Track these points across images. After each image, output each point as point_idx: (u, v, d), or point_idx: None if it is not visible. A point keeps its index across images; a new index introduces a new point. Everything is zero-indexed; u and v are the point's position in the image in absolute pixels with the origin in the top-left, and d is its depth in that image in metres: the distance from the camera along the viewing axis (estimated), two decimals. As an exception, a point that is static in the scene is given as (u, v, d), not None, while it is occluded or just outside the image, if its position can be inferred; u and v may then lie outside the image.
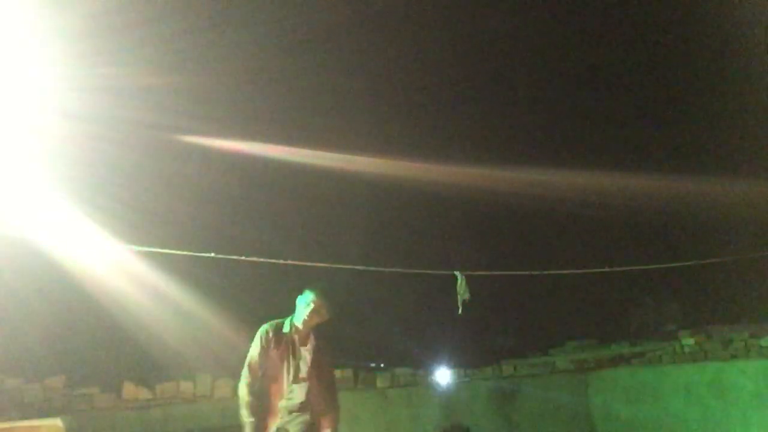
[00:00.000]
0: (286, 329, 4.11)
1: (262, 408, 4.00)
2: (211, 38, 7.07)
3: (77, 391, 5.85)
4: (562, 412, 7.75)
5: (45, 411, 5.50)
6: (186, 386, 6.25)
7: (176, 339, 6.69)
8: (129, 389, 6.03)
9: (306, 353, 4.10)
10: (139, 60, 5.95)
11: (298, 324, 4.10)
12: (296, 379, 4.06)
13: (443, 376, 7.51)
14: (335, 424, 4.14)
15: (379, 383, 7.08)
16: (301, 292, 4.14)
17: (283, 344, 4.06)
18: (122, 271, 5.80)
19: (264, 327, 4.13)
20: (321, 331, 4.22)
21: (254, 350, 4.07)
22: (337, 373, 6.89)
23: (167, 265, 5.87)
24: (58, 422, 4.72)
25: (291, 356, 4.06)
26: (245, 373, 4.05)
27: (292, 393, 4.05)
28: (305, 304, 4.08)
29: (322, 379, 4.14)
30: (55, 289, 6.85)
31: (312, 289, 4.11)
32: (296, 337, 4.10)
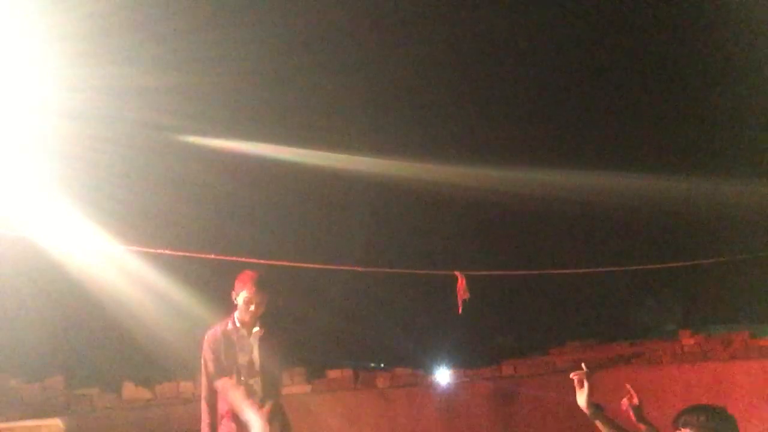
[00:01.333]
0: (230, 326, 4.06)
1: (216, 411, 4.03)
2: (211, 38, 7.07)
3: (77, 391, 5.85)
4: (562, 412, 7.74)
5: (45, 411, 5.49)
6: (186, 386, 6.24)
7: (176, 339, 6.68)
8: (129, 389, 6.03)
9: (254, 344, 4.05)
10: (139, 60, 5.96)
11: (242, 318, 4.05)
12: (252, 374, 4.02)
13: (443, 376, 7.51)
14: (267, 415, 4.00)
15: (379, 383, 7.08)
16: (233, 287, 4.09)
17: (231, 342, 4.02)
18: (122, 271, 5.80)
19: (208, 333, 4.07)
20: (270, 323, 4.16)
21: (207, 362, 4.02)
22: (337, 373, 6.90)
23: (167, 265, 5.87)
24: (58, 422, 4.72)
25: (241, 352, 4.02)
26: (203, 385, 4.04)
27: (252, 388, 4.00)
28: (240, 296, 4.02)
29: (268, 371, 4.08)
30: (55, 289, 6.85)
31: (241, 280, 4.05)
32: (244, 331, 4.05)
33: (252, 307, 3.98)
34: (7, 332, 6.31)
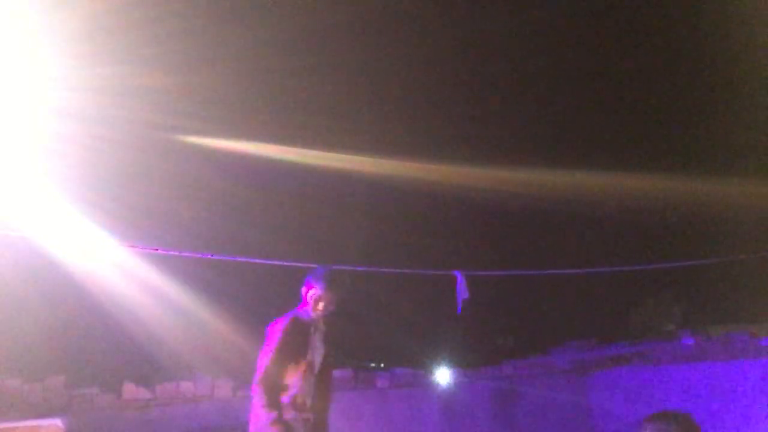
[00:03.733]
0: (305, 318, 3.94)
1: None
2: (211, 38, 7.07)
3: (77, 391, 5.86)
4: (562, 412, 7.75)
5: (45, 411, 5.50)
6: (186, 386, 6.25)
7: (176, 339, 6.69)
8: (129, 389, 6.04)
9: (320, 343, 3.95)
10: (139, 60, 5.95)
11: (313, 314, 3.95)
12: (312, 373, 3.90)
13: (443, 376, 7.51)
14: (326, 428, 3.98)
15: (379, 383, 7.08)
16: (303, 283, 3.99)
17: (305, 336, 3.90)
18: (122, 271, 5.80)
19: (287, 321, 3.88)
20: (332, 322, 4.08)
21: (282, 344, 3.79)
22: (337, 373, 6.90)
23: (167, 265, 5.87)
24: (58, 422, 4.71)
25: (309, 349, 3.90)
26: (266, 366, 3.77)
27: (309, 388, 3.87)
28: (311, 293, 3.93)
29: (326, 375, 4.00)
30: (55, 289, 6.85)
31: (319, 277, 3.95)
32: (312, 327, 3.94)
33: (321, 305, 3.92)
34: (7, 332, 6.31)
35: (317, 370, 3.93)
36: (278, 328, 3.86)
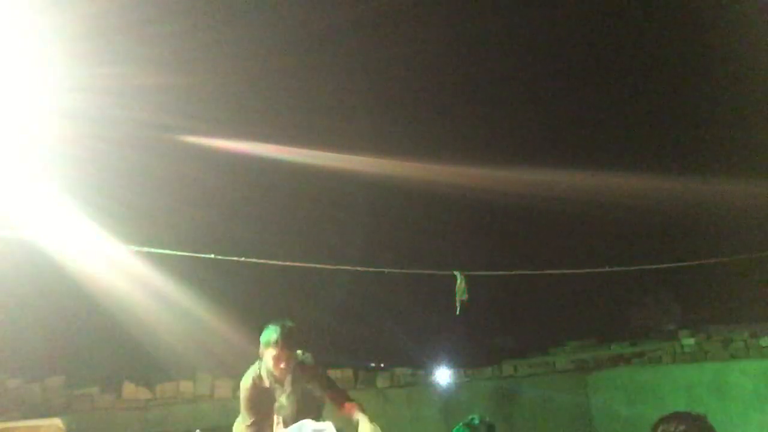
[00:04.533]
0: (266, 384, 3.90)
1: None
2: (211, 38, 7.07)
3: (77, 391, 5.87)
4: (562, 412, 7.75)
5: (45, 411, 5.51)
6: (186, 386, 6.26)
7: (176, 339, 6.69)
8: (129, 389, 6.04)
9: (285, 400, 3.92)
10: (139, 60, 5.96)
11: (272, 375, 3.88)
12: (285, 413, 3.93)
13: (443, 376, 7.51)
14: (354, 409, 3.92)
15: (379, 383, 7.09)
16: (261, 336, 3.90)
17: (267, 394, 3.90)
18: (122, 271, 5.80)
19: (246, 384, 3.92)
20: (300, 369, 3.99)
21: (249, 410, 3.91)
22: (337, 373, 6.90)
23: (167, 265, 5.87)
24: (58, 422, 4.72)
25: (277, 398, 3.92)
26: (249, 424, 3.90)
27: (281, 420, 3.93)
28: (267, 355, 3.84)
29: (307, 405, 3.98)
30: (55, 290, 6.85)
31: (268, 338, 3.84)
32: (276, 386, 3.90)
33: (282, 365, 3.83)
34: (7, 332, 6.32)
35: (295, 411, 3.91)
36: (243, 392, 3.94)
